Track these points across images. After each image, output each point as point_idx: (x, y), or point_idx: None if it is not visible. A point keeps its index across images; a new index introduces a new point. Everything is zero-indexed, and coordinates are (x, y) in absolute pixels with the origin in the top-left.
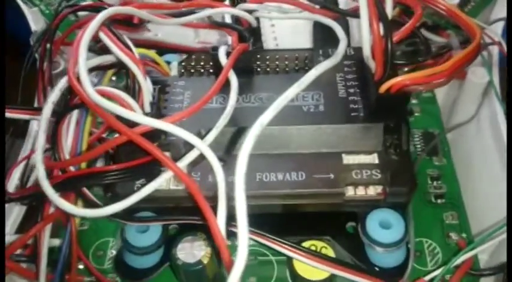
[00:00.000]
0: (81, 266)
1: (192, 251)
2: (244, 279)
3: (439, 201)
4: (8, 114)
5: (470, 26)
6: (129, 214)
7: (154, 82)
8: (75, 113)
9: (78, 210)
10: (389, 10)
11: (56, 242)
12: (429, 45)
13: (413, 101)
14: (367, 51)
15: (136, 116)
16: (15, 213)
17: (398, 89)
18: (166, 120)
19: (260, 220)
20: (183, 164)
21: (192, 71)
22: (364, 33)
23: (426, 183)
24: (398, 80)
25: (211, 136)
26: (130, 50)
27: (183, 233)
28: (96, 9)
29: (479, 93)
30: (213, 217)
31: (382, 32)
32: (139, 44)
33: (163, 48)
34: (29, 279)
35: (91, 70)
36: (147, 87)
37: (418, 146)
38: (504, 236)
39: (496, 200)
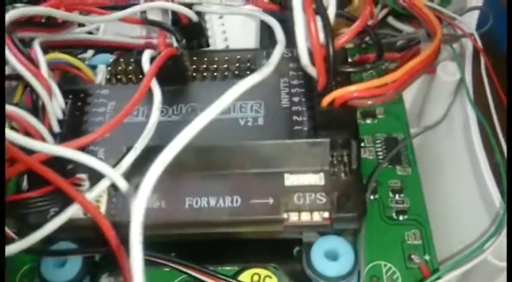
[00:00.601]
0: None
1: None
2: None
3: (400, 217)
4: None
5: (431, 21)
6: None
7: (72, 92)
8: None
9: None
10: (332, 9)
11: None
12: (382, 49)
13: None
14: (304, 59)
15: (31, 142)
16: None
17: (342, 102)
18: (70, 145)
19: (197, 247)
20: (92, 195)
21: (119, 77)
22: (298, 36)
23: (387, 197)
24: (342, 93)
25: (126, 161)
26: (29, 59)
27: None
28: None
29: (449, 91)
30: (125, 260)
31: (322, 35)
32: (70, 44)
33: (101, 48)
34: None
35: None
36: (51, 104)
37: (380, 153)
38: (474, 262)
39: (466, 213)
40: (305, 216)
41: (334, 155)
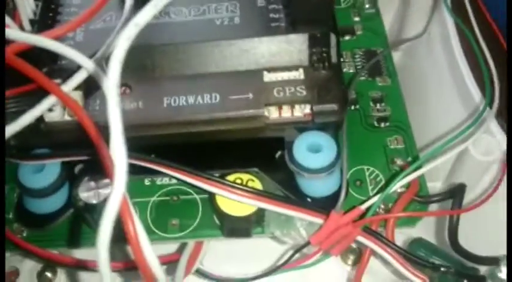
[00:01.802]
0: None
1: (97, 191)
2: (166, 221)
3: (382, 124)
4: None
5: None
6: (22, 152)
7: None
8: None
9: None
10: None
11: None
12: None
13: (356, 19)
14: None
15: (7, 30)
16: None
17: None
18: (45, 35)
19: (177, 153)
20: (68, 87)
21: None
22: None
23: (368, 106)
24: None
25: (100, 54)
26: None
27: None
28: None
29: (428, 5)
30: (104, 148)
31: None
32: None
33: None
34: None
35: None
36: (22, 1)
37: (359, 66)
38: (454, 154)
39: (448, 123)
40: (286, 112)
41: (313, 51)
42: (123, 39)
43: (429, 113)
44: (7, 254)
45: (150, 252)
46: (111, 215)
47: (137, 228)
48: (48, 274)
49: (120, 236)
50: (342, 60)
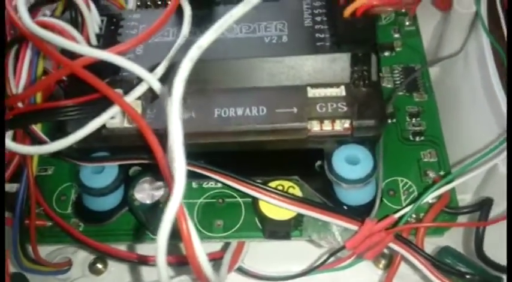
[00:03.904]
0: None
1: (150, 192)
2: (211, 222)
3: (417, 138)
4: None
5: None
6: (83, 154)
7: (106, 15)
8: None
9: (22, 147)
10: None
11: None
12: None
13: (396, 35)
14: None
15: (75, 45)
16: None
17: (364, 10)
18: (110, 51)
19: (223, 160)
20: (131, 97)
21: (149, 3)
22: None
23: (405, 121)
24: (363, 2)
25: (160, 69)
26: None
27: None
28: None
29: (465, 24)
30: (161, 153)
31: None
32: None
33: None
34: None
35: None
36: (91, 17)
37: (398, 81)
38: (485, 168)
39: (480, 139)
40: (327, 126)
41: (355, 70)
42: (186, 61)
43: (462, 129)
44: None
45: (201, 249)
46: (170, 217)
47: (190, 229)
48: (99, 266)
49: (173, 234)
50: (381, 75)
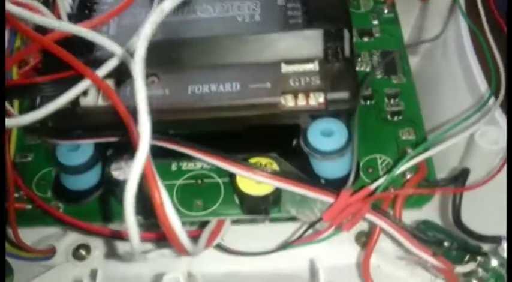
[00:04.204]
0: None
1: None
2: (191, 202)
3: (395, 118)
4: None
5: None
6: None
7: None
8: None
9: None
10: None
11: None
12: None
13: (374, 22)
14: None
15: (45, 19)
16: None
17: None
18: (80, 25)
19: (201, 139)
20: (102, 72)
21: None
22: None
23: (383, 102)
24: None
25: (132, 43)
26: None
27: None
28: None
29: (444, 11)
30: (133, 126)
31: None
32: None
33: None
34: None
35: None
36: None
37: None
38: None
39: (454, 112)
40: (301, 101)
41: (328, 46)
42: (149, 23)
43: (440, 108)
44: (47, 230)
45: (172, 211)
46: (137, 171)
47: (161, 190)
48: (83, 252)
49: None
50: (360, 59)
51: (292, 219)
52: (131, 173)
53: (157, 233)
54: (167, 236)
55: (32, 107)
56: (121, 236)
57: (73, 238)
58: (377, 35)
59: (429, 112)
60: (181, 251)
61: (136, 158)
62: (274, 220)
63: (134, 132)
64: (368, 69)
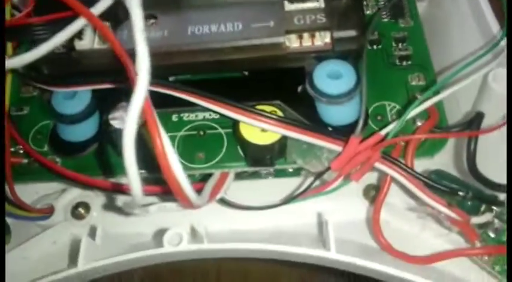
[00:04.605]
0: (21, 151)
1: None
2: (193, 154)
3: (404, 63)
4: None
5: None
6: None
7: None
8: None
9: None
10: None
11: None
12: None
13: None
14: None
15: None
16: None
17: None
18: None
19: (202, 85)
20: (97, 10)
21: None
22: None
23: (390, 46)
24: None
25: None
26: None
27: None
28: None
29: None
30: (132, 68)
31: None
32: None
33: None
34: None
35: None
36: None
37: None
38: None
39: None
40: (306, 41)
41: None
42: None
43: (450, 53)
44: (44, 188)
45: (175, 159)
46: (135, 110)
47: (163, 136)
48: (82, 210)
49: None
50: (365, 3)
51: (296, 173)
52: (129, 112)
53: (160, 186)
54: (170, 185)
55: None
56: (123, 190)
57: (71, 196)
58: None
59: (438, 58)
60: (184, 201)
61: (135, 94)
62: (277, 174)
63: (132, 71)
64: (369, 12)
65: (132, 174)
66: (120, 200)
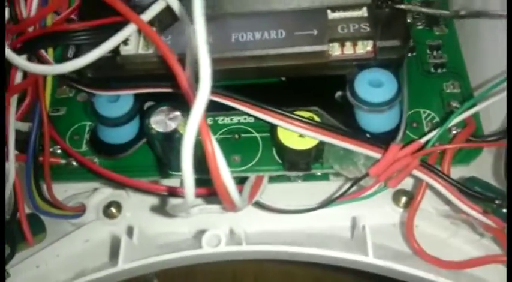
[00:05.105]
0: (58, 151)
1: (167, 121)
2: (228, 157)
3: (439, 70)
4: None
5: None
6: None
7: None
8: None
9: (36, 66)
10: None
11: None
12: None
13: None
14: None
15: None
16: None
17: None
18: None
19: (242, 91)
20: (147, 16)
21: None
22: None
23: (425, 54)
24: None
25: None
26: None
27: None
28: None
29: None
30: (182, 74)
31: None
32: None
33: None
34: None
35: None
36: None
37: (417, 15)
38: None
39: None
40: (348, 49)
41: None
42: None
43: (485, 62)
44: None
45: (224, 166)
46: (197, 118)
47: (212, 139)
48: (113, 209)
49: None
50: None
51: (324, 177)
52: (190, 120)
53: (205, 188)
54: (217, 187)
55: (63, 57)
56: (175, 192)
57: (103, 195)
58: None
59: (473, 63)
60: (229, 204)
61: (196, 103)
62: (306, 178)
63: (182, 76)
64: (409, 20)
65: (188, 179)
66: (153, 200)
